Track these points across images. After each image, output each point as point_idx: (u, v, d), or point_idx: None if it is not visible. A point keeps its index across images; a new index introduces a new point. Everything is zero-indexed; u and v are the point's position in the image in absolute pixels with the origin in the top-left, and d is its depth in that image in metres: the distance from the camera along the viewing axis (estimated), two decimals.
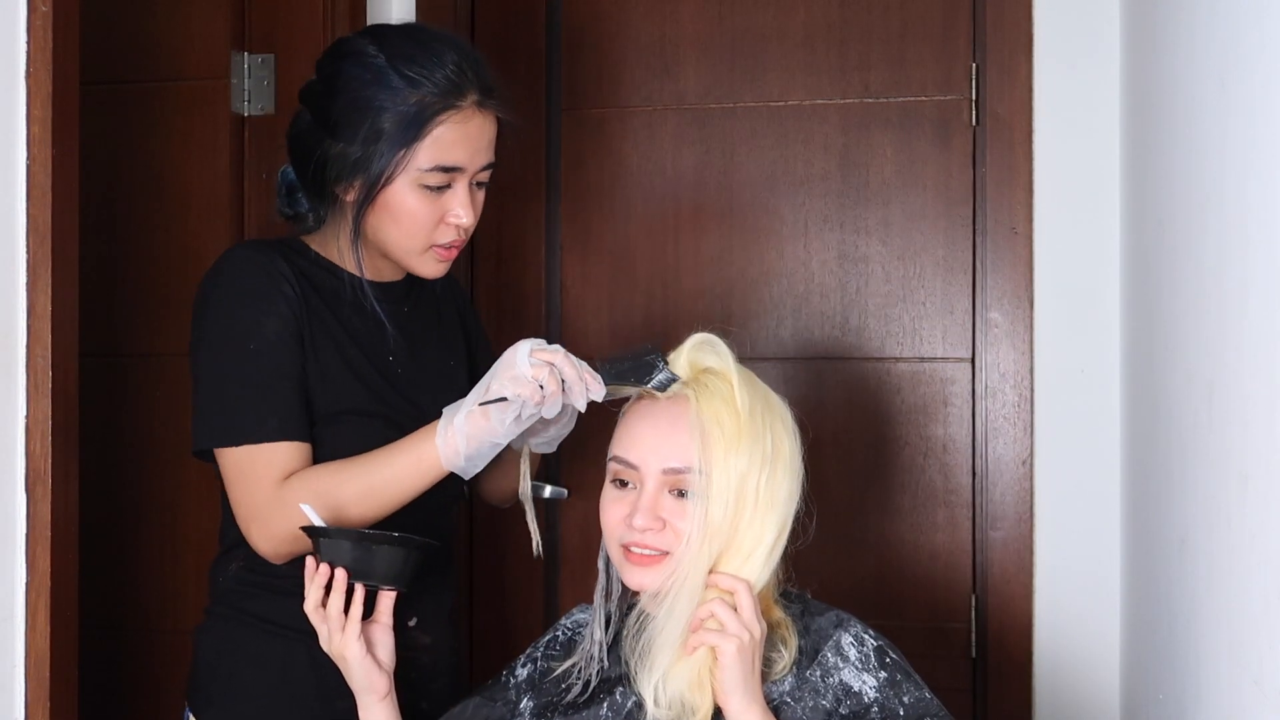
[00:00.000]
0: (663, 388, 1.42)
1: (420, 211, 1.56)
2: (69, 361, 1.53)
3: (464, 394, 1.53)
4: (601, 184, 2.37)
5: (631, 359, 1.45)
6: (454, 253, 1.62)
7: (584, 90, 2.37)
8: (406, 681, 1.60)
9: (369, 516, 1.52)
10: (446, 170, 1.55)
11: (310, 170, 1.60)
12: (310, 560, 1.44)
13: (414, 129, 1.53)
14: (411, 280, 1.70)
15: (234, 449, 1.53)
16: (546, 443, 1.58)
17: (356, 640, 1.42)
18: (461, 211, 1.58)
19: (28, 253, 1.50)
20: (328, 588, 1.42)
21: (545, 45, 2.37)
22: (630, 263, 2.36)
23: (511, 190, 2.35)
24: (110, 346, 2.25)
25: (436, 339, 1.75)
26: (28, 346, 1.50)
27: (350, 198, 1.58)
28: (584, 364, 1.46)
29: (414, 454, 1.50)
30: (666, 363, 1.43)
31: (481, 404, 1.45)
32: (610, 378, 1.45)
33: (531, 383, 1.43)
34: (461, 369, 1.77)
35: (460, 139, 1.55)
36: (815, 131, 2.30)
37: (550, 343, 1.48)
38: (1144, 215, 1.87)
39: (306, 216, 1.68)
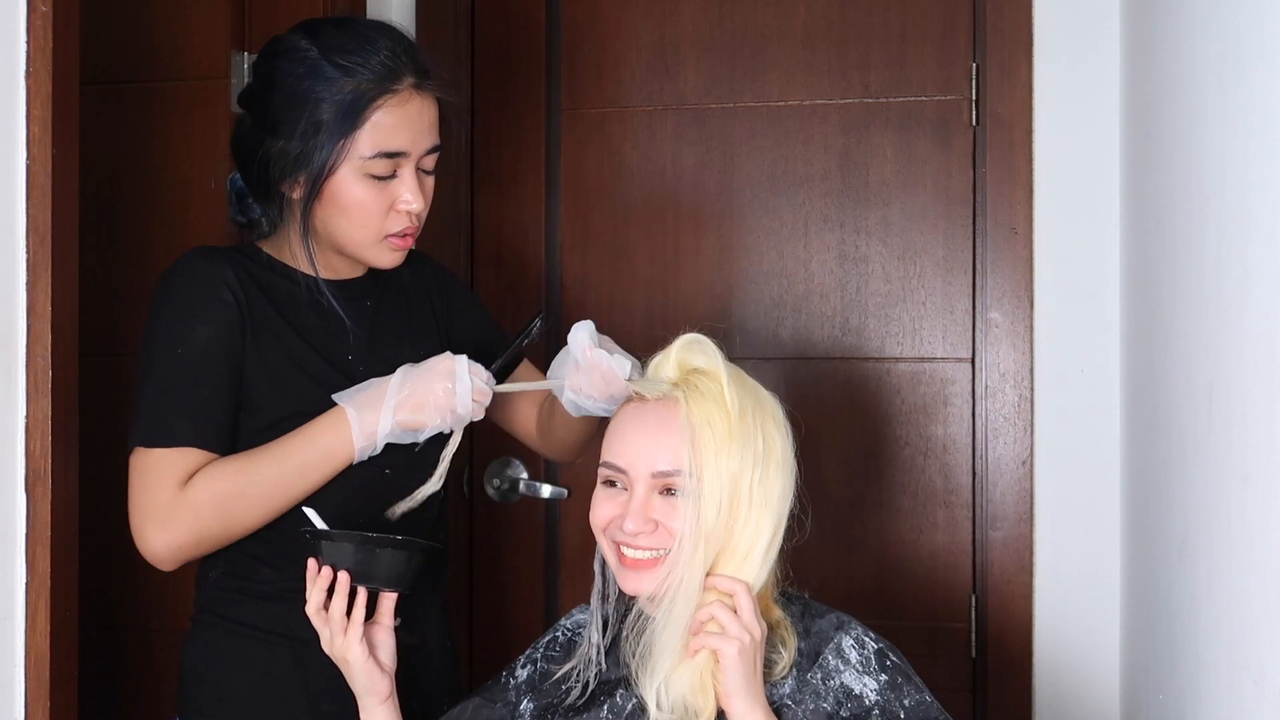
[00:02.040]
0: (535, 337, 1.63)
1: (368, 201, 1.55)
2: (69, 361, 1.53)
3: None
4: (601, 183, 2.37)
5: (522, 334, 1.65)
6: (409, 241, 1.61)
7: (584, 90, 2.37)
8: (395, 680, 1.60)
9: (270, 517, 1.54)
10: (389, 156, 1.55)
11: (255, 172, 1.60)
12: (312, 563, 1.43)
13: (352, 116, 1.52)
14: (374, 275, 1.69)
15: (140, 450, 1.52)
16: (574, 407, 1.59)
17: (359, 643, 1.42)
18: (410, 197, 1.56)
19: (28, 253, 1.50)
20: (329, 590, 1.42)
21: (545, 45, 2.37)
22: (630, 263, 2.36)
23: (512, 190, 2.35)
24: (110, 346, 2.25)
25: (405, 333, 1.72)
26: (28, 346, 1.50)
27: (297, 195, 1.58)
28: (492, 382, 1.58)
29: (324, 448, 1.53)
30: (539, 318, 1.65)
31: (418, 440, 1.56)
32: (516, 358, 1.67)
33: (465, 421, 1.56)
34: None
35: (400, 122, 1.54)
36: (815, 131, 2.30)
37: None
38: (1144, 215, 1.87)
39: (259, 222, 1.68)
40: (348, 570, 1.42)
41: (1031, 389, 2.20)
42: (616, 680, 1.41)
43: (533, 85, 2.36)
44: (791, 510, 1.40)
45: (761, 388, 1.42)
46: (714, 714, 1.32)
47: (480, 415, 1.57)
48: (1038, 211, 2.20)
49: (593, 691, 1.42)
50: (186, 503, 1.50)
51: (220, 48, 2.19)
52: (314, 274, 1.61)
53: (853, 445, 2.27)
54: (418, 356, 1.65)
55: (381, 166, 1.54)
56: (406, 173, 1.57)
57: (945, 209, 2.26)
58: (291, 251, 1.63)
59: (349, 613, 1.42)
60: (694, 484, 1.33)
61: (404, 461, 1.60)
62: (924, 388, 2.26)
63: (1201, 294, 1.43)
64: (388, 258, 1.61)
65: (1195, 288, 1.47)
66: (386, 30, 1.58)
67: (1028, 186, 2.20)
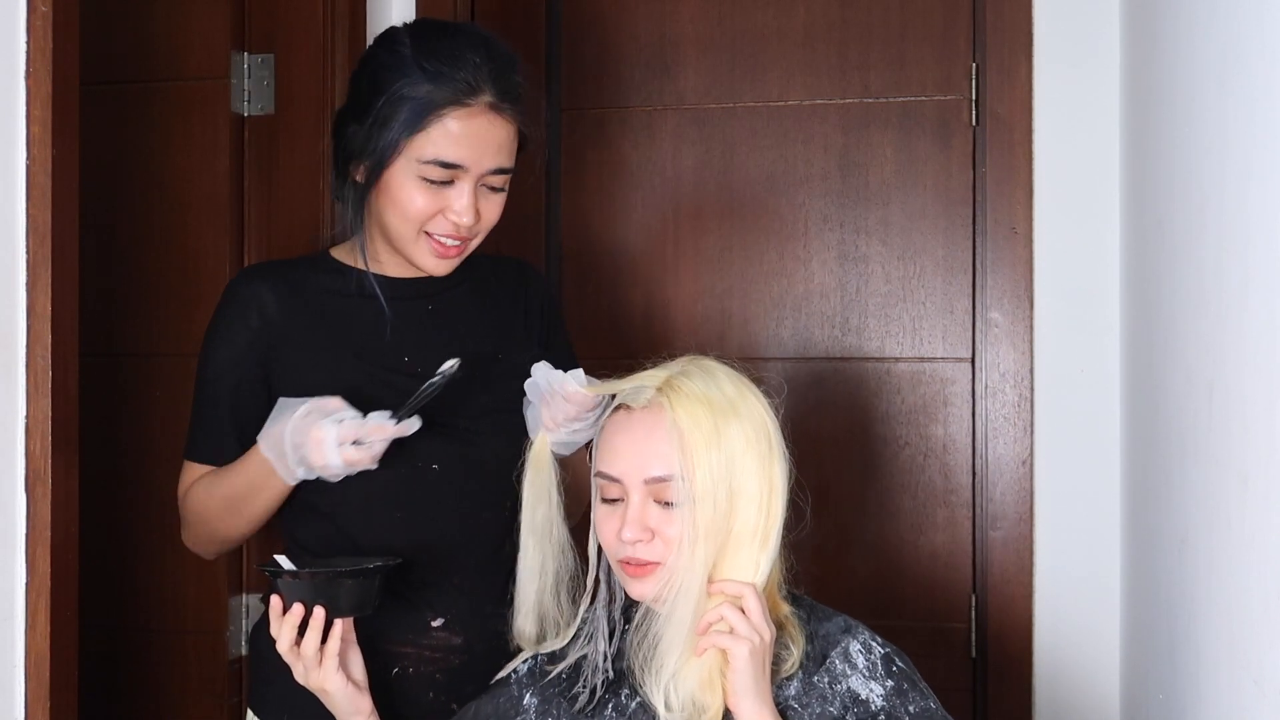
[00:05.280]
0: (445, 378, 1.49)
1: (419, 200, 1.57)
2: (69, 361, 1.53)
3: (504, 389, 1.61)
4: (601, 184, 2.37)
5: (426, 387, 1.50)
6: (453, 250, 1.61)
7: (584, 90, 2.37)
8: (431, 682, 1.60)
9: (245, 529, 1.63)
10: (445, 166, 1.56)
11: (336, 150, 1.64)
12: (276, 601, 1.44)
13: (418, 118, 1.54)
14: (441, 279, 1.69)
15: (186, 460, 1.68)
16: (567, 444, 1.54)
17: (337, 672, 1.42)
18: (461, 209, 1.57)
19: (28, 253, 1.50)
20: (300, 628, 1.43)
21: (545, 45, 2.37)
22: (630, 263, 2.36)
23: (512, 190, 2.35)
24: (110, 346, 2.25)
25: (477, 334, 1.71)
26: (28, 346, 1.50)
27: (359, 178, 1.61)
28: (384, 420, 1.49)
29: (260, 482, 1.57)
30: (454, 363, 1.49)
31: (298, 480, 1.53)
32: (411, 412, 1.50)
33: (338, 471, 1.50)
34: (517, 362, 1.70)
35: (463, 136, 1.55)
36: (815, 131, 2.30)
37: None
38: (1144, 215, 1.87)
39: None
40: (309, 605, 1.42)
41: (1031, 389, 2.20)
42: (621, 681, 1.42)
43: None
44: (792, 501, 1.40)
45: (745, 379, 1.42)
46: (720, 710, 1.32)
47: (366, 461, 1.51)
48: (1038, 211, 2.20)
49: (600, 696, 1.42)
50: (183, 510, 1.67)
51: (220, 48, 2.19)
52: (364, 267, 1.65)
53: (853, 445, 2.27)
54: (499, 354, 1.68)
55: (437, 173, 1.56)
56: (464, 186, 1.58)
57: (945, 209, 2.26)
58: (362, 249, 1.67)
59: (321, 644, 1.43)
60: (687, 487, 1.34)
61: (453, 456, 1.61)
62: (924, 388, 2.26)
63: (1201, 294, 1.43)
64: (430, 262, 1.62)
65: (1195, 288, 1.47)
66: (484, 46, 1.58)
67: (1028, 186, 2.20)
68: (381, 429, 1.48)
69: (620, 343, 2.34)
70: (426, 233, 1.60)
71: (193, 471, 1.65)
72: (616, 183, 2.36)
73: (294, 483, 1.54)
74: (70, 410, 1.53)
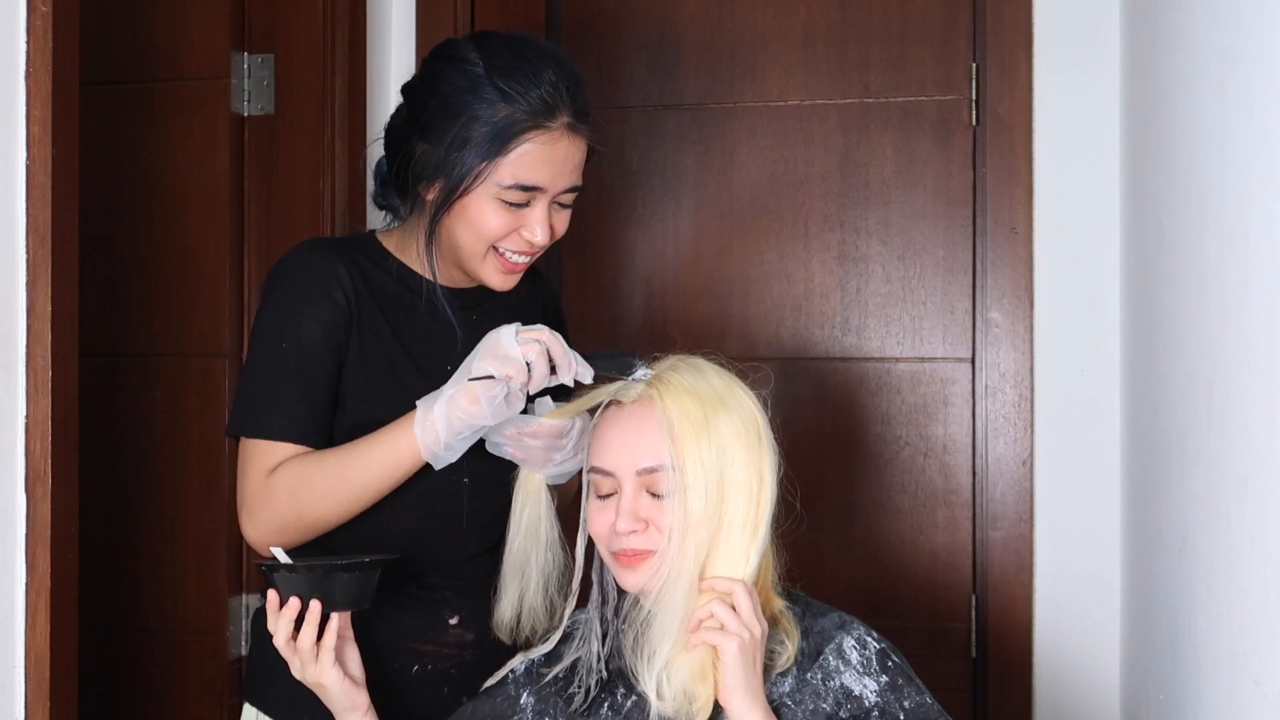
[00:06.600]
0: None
1: (495, 221, 1.56)
2: (69, 361, 1.53)
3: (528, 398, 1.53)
4: (602, 183, 2.37)
5: (610, 357, 1.48)
6: (520, 267, 1.61)
7: None
8: (446, 678, 1.61)
9: (341, 510, 1.53)
10: (526, 189, 1.55)
11: (397, 164, 1.62)
12: (273, 596, 1.44)
13: (499, 143, 1.53)
14: (484, 288, 1.69)
15: (244, 439, 1.56)
16: (557, 476, 1.55)
17: (333, 666, 1.42)
18: (538, 229, 1.57)
19: (28, 253, 1.50)
20: (296, 621, 1.43)
21: None
22: (630, 263, 2.36)
23: None
24: (110, 346, 2.25)
25: None
26: (28, 346, 1.50)
27: (430, 196, 1.59)
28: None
29: (389, 444, 1.51)
30: (645, 363, 1.45)
31: (471, 379, 1.46)
32: (594, 367, 1.49)
33: (519, 361, 1.46)
34: None
35: (544, 159, 1.55)
36: (815, 131, 2.30)
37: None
38: (1144, 215, 1.87)
39: (398, 209, 1.69)
40: (305, 599, 1.42)
41: (1031, 389, 2.20)
42: (616, 682, 1.42)
43: None
44: (784, 496, 1.40)
45: (734, 376, 1.42)
46: (710, 699, 1.32)
47: (542, 367, 1.47)
48: (1038, 211, 2.20)
49: (594, 696, 1.42)
50: (268, 492, 1.53)
51: (220, 48, 2.19)
52: (434, 280, 1.62)
53: (852, 445, 2.27)
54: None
55: (516, 196, 1.55)
56: (539, 206, 1.57)
57: (945, 209, 2.26)
58: (417, 251, 1.64)
59: (318, 639, 1.43)
60: (677, 477, 1.34)
61: (484, 471, 1.60)
62: (924, 388, 2.26)
63: (1201, 294, 1.43)
64: (497, 279, 1.62)
65: (1195, 288, 1.47)
66: (556, 62, 1.57)
67: (1028, 186, 2.20)
68: (557, 338, 1.47)
69: (620, 343, 2.34)
70: (495, 249, 1.59)
71: (275, 451, 1.54)
72: (617, 183, 2.36)
73: (435, 456, 1.49)
74: (70, 410, 1.54)
